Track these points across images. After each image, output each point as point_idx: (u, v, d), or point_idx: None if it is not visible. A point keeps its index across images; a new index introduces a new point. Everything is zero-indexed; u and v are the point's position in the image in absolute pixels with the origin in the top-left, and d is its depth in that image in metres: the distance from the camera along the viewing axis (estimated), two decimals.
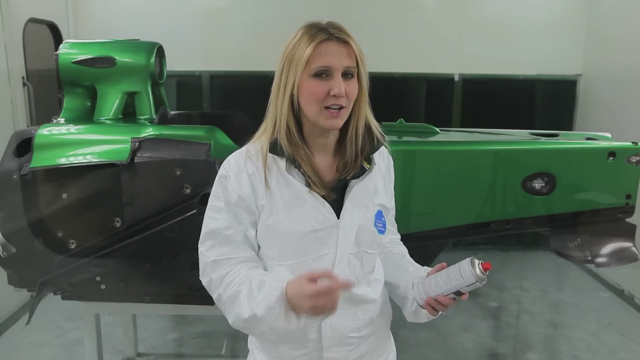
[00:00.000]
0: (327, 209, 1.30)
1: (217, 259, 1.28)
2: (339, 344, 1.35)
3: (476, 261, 1.22)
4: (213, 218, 1.31)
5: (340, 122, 1.27)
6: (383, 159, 1.44)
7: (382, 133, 1.39)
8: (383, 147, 1.43)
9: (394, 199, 1.51)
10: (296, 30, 1.27)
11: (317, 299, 1.11)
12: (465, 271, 1.22)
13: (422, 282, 1.32)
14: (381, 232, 1.38)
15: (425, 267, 1.40)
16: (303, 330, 1.31)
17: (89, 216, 2.25)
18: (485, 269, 1.21)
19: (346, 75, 1.25)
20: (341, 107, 1.25)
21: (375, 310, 1.41)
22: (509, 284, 4.49)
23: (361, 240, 1.33)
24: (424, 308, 1.32)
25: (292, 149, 1.28)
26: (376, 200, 1.37)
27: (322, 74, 1.23)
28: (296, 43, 1.24)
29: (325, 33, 1.23)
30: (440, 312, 1.31)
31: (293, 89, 1.25)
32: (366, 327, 1.39)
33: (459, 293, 1.25)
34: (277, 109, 1.29)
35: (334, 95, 1.23)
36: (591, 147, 2.43)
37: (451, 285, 1.24)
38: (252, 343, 1.48)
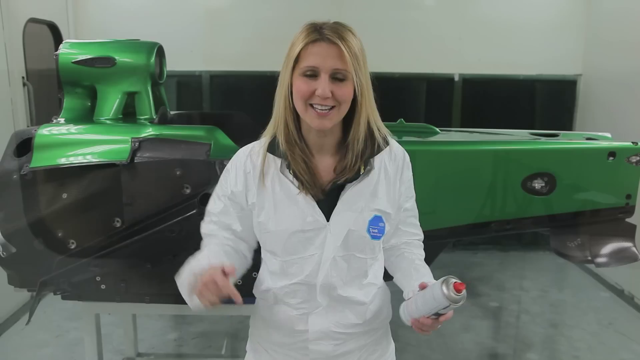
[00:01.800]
0: (317, 211, 1.31)
1: (206, 232, 1.44)
2: (325, 338, 1.38)
3: (451, 281, 1.15)
4: (213, 200, 1.44)
5: (328, 123, 1.26)
6: (395, 161, 1.40)
7: (386, 139, 1.37)
8: (397, 148, 1.42)
9: (413, 199, 1.47)
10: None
11: (202, 288, 1.16)
12: (437, 294, 1.16)
13: (406, 302, 1.28)
14: (376, 237, 1.36)
15: (420, 281, 1.31)
16: (291, 321, 1.38)
17: (89, 216, 2.25)
18: (458, 290, 1.13)
19: (336, 77, 1.24)
20: (329, 108, 1.24)
21: (368, 312, 1.41)
22: (509, 284, 4.50)
23: (350, 244, 1.34)
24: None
25: (288, 147, 1.30)
26: (373, 205, 1.35)
27: (310, 73, 1.24)
28: (294, 41, 1.26)
29: (317, 33, 1.23)
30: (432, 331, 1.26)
31: (287, 85, 1.27)
32: (355, 326, 1.40)
33: (438, 314, 1.19)
34: (277, 105, 1.32)
35: (319, 96, 1.23)
36: (591, 147, 2.43)
37: (428, 308, 1.19)
38: (251, 329, 1.54)
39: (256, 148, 1.38)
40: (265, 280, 1.41)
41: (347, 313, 1.39)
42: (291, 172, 1.31)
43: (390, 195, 1.39)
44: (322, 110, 1.24)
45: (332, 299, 1.36)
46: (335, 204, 1.32)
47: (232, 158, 1.41)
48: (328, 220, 1.32)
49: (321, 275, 1.33)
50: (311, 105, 1.25)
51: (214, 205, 1.42)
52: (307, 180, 1.29)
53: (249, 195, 1.36)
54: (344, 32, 1.24)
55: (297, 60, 1.24)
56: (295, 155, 1.30)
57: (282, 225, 1.32)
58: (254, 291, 1.48)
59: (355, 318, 1.39)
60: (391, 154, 1.40)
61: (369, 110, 1.31)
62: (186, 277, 1.26)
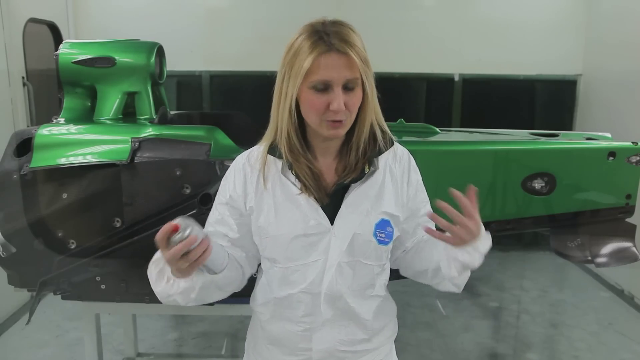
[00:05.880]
0: (320, 213, 1.26)
1: None
2: (329, 357, 1.32)
3: None
4: (211, 211, 1.38)
5: (342, 132, 1.24)
6: (400, 162, 1.37)
7: (391, 140, 1.34)
8: (402, 151, 1.39)
9: (429, 205, 1.43)
10: (298, 31, 1.22)
11: (175, 264, 1.14)
12: None
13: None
14: (383, 242, 1.30)
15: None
16: (293, 338, 1.32)
17: (89, 216, 2.25)
18: None
19: (347, 87, 1.19)
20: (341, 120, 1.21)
21: (374, 327, 1.36)
22: (509, 284, 4.50)
23: (356, 249, 1.27)
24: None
25: (291, 156, 1.26)
26: (379, 208, 1.29)
27: (322, 87, 1.18)
28: (297, 50, 1.18)
29: (325, 44, 1.16)
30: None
31: (293, 98, 1.21)
32: (361, 343, 1.35)
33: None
34: (277, 116, 1.26)
35: (333, 111, 1.18)
36: (591, 147, 2.43)
37: None
38: (248, 344, 1.48)
39: (255, 152, 1.34)
40: (265, 291, 1.35)
41: (353, 328, 1.32)
42: (293, 172, 1.26)
43: (398, 198, 1.34)
44: (335, 122, 1.20)
45: (337, 311, 1.29)
46: (339, 207, 1.27)
47: (231, 164, 1.37)
48: (332, 223, 1.27)
49: (325, 283, 1.27)
50: (325, 119, 1.21)
51: (212, 215, 1.37)
52: (312, 185, 1.25)
53: (247, 200, 1.30)
54: (349, 36, 1.18)
55: (305, 73, 1.18)
56: (300, 163, 1.26)
57: (283, 230, 1.26)
58: (251, 304, 1.41)
59: (361, 333, 1.33)
60: (396, 156, 1.36)
61: (372, 110, 1.27)
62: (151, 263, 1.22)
